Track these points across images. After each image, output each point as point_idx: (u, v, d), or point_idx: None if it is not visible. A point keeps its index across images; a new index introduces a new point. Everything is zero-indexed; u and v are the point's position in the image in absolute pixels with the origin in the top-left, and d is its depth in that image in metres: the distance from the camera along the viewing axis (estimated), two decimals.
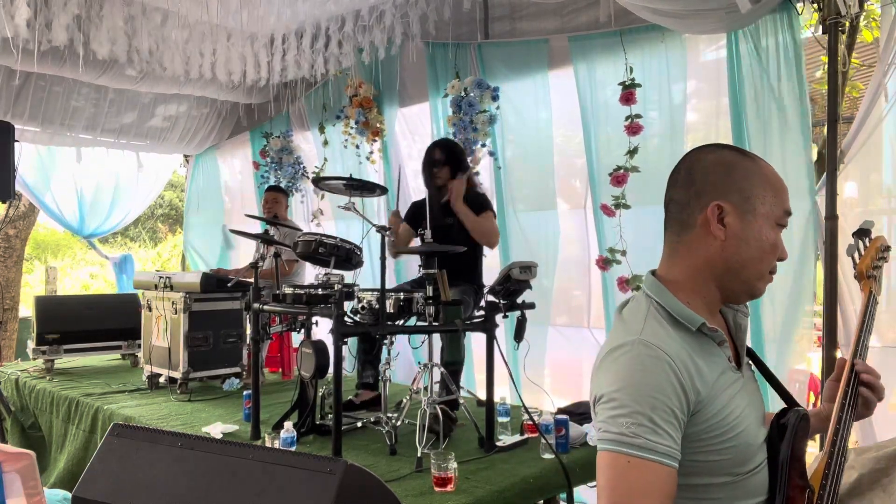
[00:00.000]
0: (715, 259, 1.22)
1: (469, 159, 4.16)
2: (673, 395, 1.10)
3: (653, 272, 1.30)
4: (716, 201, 1.21)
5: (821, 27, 2.89)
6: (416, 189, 4.59)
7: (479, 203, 3.63)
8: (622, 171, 3.52)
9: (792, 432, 1.22)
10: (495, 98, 4.09)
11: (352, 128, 4.99)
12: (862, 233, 1.51)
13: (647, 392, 1.09)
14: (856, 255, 1.49)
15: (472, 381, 4.11)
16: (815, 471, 1.26)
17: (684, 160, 1.30)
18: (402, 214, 3.89)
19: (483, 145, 4.18)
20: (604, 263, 3.64)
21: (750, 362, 1.36)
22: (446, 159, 3.60)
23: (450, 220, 3.54)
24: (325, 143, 5.38)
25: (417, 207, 3.79)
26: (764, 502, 1.22)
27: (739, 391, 1.21)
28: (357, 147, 5.03)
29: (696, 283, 1.24)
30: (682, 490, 1.14)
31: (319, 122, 5.39)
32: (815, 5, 2.87)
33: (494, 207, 4.08)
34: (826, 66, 2.88)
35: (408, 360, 4.66)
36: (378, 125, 4.86)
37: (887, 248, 1.49)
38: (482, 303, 3.50)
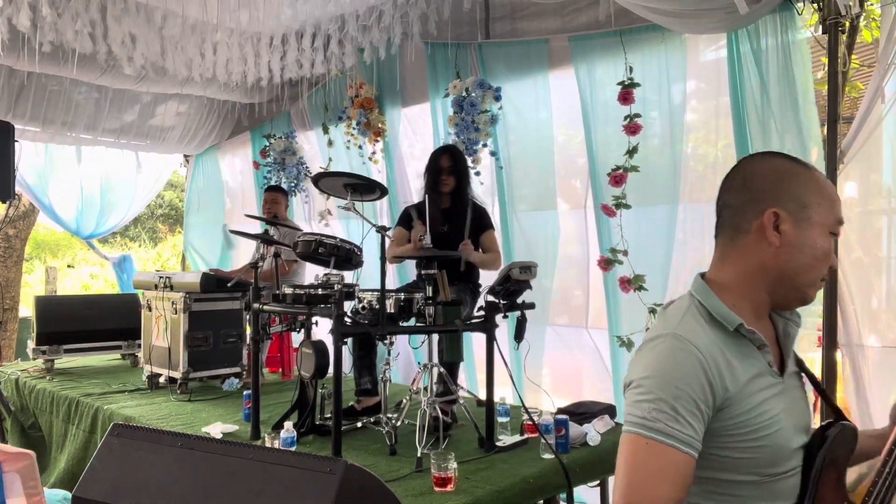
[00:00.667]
0: (768, 265, 1.25)
1: (471, 159, 4.17)
2: (698, 388, 1.15)
3: (702, 275, 1.33)
4: (772, 208, 1.23)
5: (821, 27, 2.89)
6: (417, 190, 4.58)
7: (483, 221, 3.66)
8: (621, 170, 3.52)
9: (830, 443, 1.24)
10: (498, 98, 4.09)
11: (354, 128, 4.99)
12: None
13: (672, 381, 1.15)
14: None
15: (473, 382, 4.11)
16: (861, 487, 1.27)
17: (741, 166, 1.32)
18: (398, 218, 3.91)
19: (485, 145, 4.18)
20: (605, 264, 3.64)
21: (801, 372, 1.37)
22: (454, 167, 3.61)
23: (445, 228, 3.54)
24: (330, 143, 5.38)
25: (415, 211, 3.78)
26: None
27: (777, 395, 1.23)
28: (360, 147, 5.03)
29: (745, 287, 1.27)
30: (708, 484, 1.19)
31: (322, 123, 5.39)
32: (815, 5, 2.87)
33: (495, 207, 4.09)
34: (825, 67, 2.88)
35: (408, 360, 4.66)
36: (380, 125, 4.86)
37: None
38: (480, 303, 3.51)
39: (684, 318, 1.23)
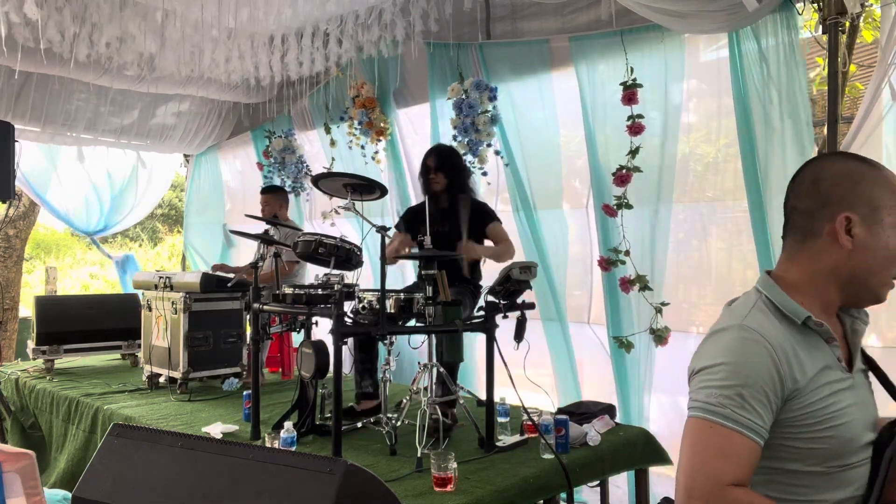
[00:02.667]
0: (841, 267, 1.26)
1: (476, 160, 4.16)
2: (767, 377, 1.17)
3: (768, 272, 1.34)
4: (844, 213, 1.24)
5: (821, 27, 2.89)
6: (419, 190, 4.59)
7: (486, 215, 3.65)
8: (625, 171, 3.52)
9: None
10: (493, 98, 4.09)
11: (356, 128, 4.99)
12: None
13: (741, 370, 1.17)
14: None
15: (473, 381, 4.11)
16: None
17: (809, 169, 1.32)
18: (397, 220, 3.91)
19: (489, 145, 4.18)
20: (606, 264, 3.64)
21: (869, 370, 1.39)
22: (439, 166, 3.60)
23: (445, 228, 3.54)
24: (332, 143, 5.37)
25: (413, 213, 3.79)
26: (858, 497, 1.25)
27: (846, 389, 1.25)
28: (362, 147, 5.03)
29: (815, 287, 1.28)
30: (774, 473, 1.21)
31: (324, 123, 5.39)
32: (815, 5, 2.87)
33: (498, 205, 4.08)
34: (823, 68, 2.88)
35: (408, 360, 4.66)
36: (382, 125, 4.85)
37: None
38: (480, 303, 3.51)
39: (752, 311, 1.25)
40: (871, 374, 1.40)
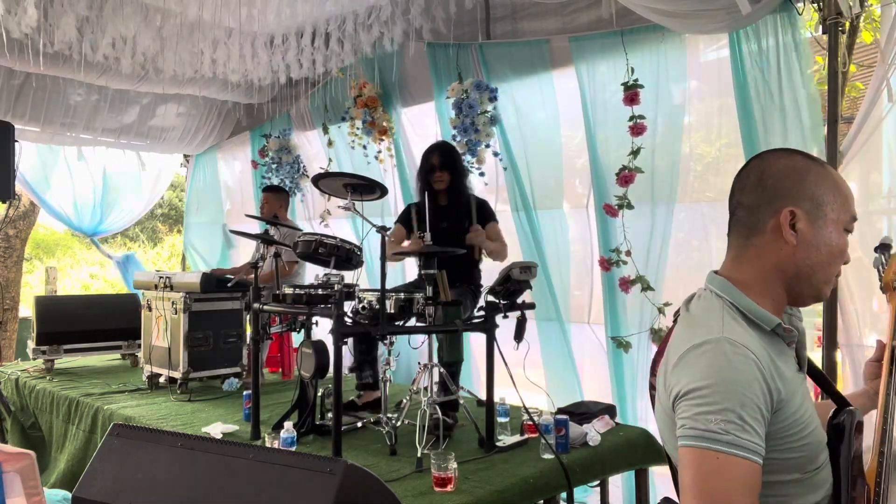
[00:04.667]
0: (786, 263, 1.24)
1: (474, 160, 4.16)
2: (760, 393, 1.12)
3: (715, 272, 1.31)
4: (788, 207, 1.23)
5: (821, 27, 2.89)
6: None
7: (487, 214, 3.67)
8: (628, 171, 3.52)
9: (850, 433, 1.26)
10: (493, 99, 4.09)
11: (358, 128, 4.98)
12: (883, 247, 1.58)
13: (737, 389, 1.10)
14: (880, 268, 1.52)
15: (473, 382, 4.11)
16: (869, 469, 1.29)
17: (755, 164, 1.30)
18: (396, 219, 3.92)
19: (487, 146, 4.18)
20: (607, 264, 3.64)
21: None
22: (444, 164, 3.61)
23: (444, 225, 3.55)
24: (330, 143, 5.37)
25: (412, 211, 3.79)
26: (827, 499, 1.25)
27: (805, 392, 1.25)
28: (364, 147, 5.03)
29: (765, 286, 1.26)
30: None
31: (323, 123, 5.39)
32: (816, 5, 2.87)
33: (498, 205, 4.09)
34: (824, 67, 2.88)
35: (408, 360, 4.66)
36: (385, 124, 4.85)
37: None
38: (480, 303, 3.51)
39: (724, 320, 1.20)
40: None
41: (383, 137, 4.89)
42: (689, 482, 1.09)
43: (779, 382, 1.15)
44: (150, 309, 4.55)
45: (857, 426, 1.27)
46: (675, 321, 1.34)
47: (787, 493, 1.20)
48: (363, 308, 2.96)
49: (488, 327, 2.84)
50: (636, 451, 3.03)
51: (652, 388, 1.35)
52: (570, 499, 2.75)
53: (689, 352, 1.17)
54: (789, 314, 1.35)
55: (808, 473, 1.21)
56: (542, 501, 2.62)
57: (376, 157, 4.96)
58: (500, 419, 3.07)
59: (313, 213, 5.67)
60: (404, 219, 3.83)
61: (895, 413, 1.33)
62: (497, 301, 2.91)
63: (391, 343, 3.11)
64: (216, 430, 3.24)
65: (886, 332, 1.45)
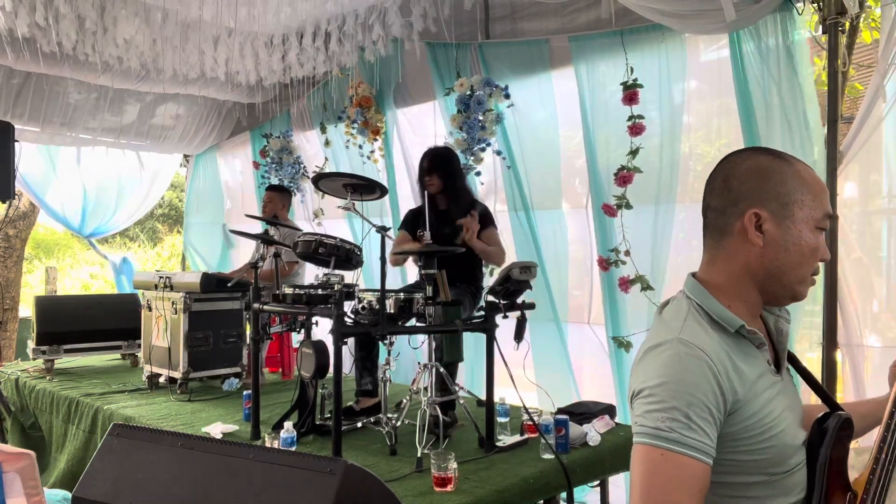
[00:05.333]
0: (754, 265, 1.23)
1: (472, 159, 4.16)
2: (710, 394, 1.12)
3: (693, 275, 1.31)
4: (753, 209, 1.21)
5: (820, 27, 2.89)
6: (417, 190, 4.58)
7: (485, 218, 3.64)
8: (626, 171, 3.52)
9: (832, 436, 1.24)
10: (507, 96, 4.07)
11: (353, 127, 4.99)
12: None
13: (685, 389, 1.12)
14: None
15: (473, 382, 4.11)
16: (861, 476, 1.27)
17: (721, 166, 1.29)
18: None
19: (489, 144, 4.18)
20: (605, 264, 3.63)
21: (789, 367, 1.37)
22: (433, 168, 3.59)
23: (447, 230, 3.54)
24: (327, 143, 5.38)
25: (414, 215, 3.79)
26: (801, 501, 1.24)
27: (778, 394, 1.23)
28: (360, 147, 5.03)
29: (737, 288, 1.25)
30: (719, 488, 1.17)
31: (321, 122, 5.39)
32: (815, 5, 2.87)
33: (496, 206, 4.09)
34: (823, 67, 2.88)
35: (408, 360, 4.66)
36: (378, 124, 4.85)
37: None
38: (481, 304, 3.51)
39: (686, 322, 1.21)
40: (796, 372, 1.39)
41: (377, 137, 4.89)
42: (636, 478, 1.12)
43: (736, 384, 1.15)
44: (150, 309, 4.55)
45: (842, 431, 1.25)
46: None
47: (753, 494, 1.20)
48: (363, 308, 2.96)
49: (488, 327, 2.84)
50: None
51: None
52: (570, 499, 2.75)
53: (646, 353, 1.20)
54: (776, 315, 1.34)
55: (776, 476, 1.20)
56: (542, 501, 2.62)
57: (370, 157, 4.96)
58: (500, 419, 3.07)
59: (313, 214, 5.67)
60: (406, 223, 3.83)
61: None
62: (497, 301, 2.91)
63: (391, 343, 3.11)
64: (216, 430, 3.24)
65: None
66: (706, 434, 1.10)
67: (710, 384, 1.12)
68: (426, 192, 3.54)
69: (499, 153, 4.15)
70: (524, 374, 3.47)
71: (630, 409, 1.20)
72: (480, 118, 4.10)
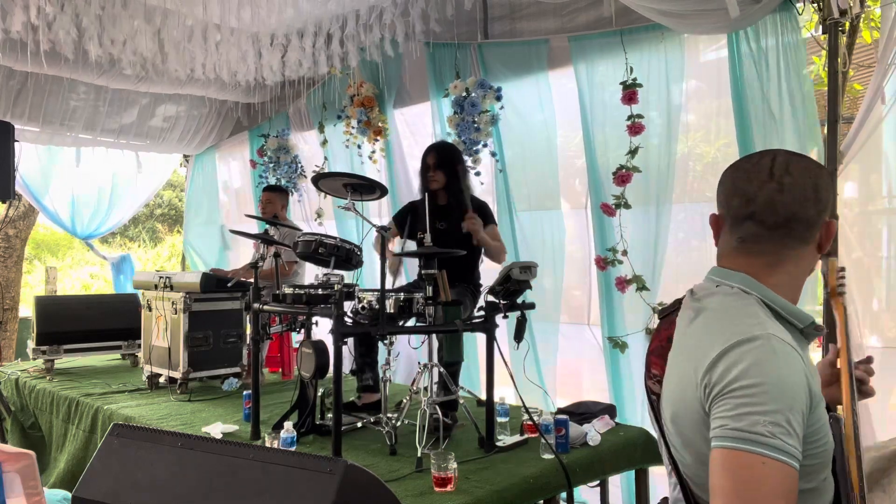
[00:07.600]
0: (810, 269, 1.25)
1: (471, 160, 4.16)
2: (805, 396, 1.06)
3: (726, 267, 1.25)
4: (831, 218, 1.23)
5: (820, 27, 2.89)
6: (417, 189, 4.58)
7: (485, 215, 3.65)
8: (625, 170, 3.52)
9: (841, 440, 1.24)
10: (499, 98, 4.09)
11: (353, 127, 4.98)
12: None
13: (787, 392, 1.04)
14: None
15: (473, 382, 4.11)
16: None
17: (808, 174, 1.20)
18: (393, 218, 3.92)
19: (485, 145, 4.18)
20: (603, 263, 3.64)
21: None
22: (439, 163, 3.60)
23: (442, 226, 3.54)
24: (325, 142, 5.38)
25: (411, 209, 3.78)
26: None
27: None
28: (359, 147, 5.03)
29: (794, 290, 1.24)
30: None
31: (319, 122, 5.39)
32: (815, 5, 2.87)
33: (495, 208, 4.09)
34: (823, 67, 2.88)
35: (408, 360, 4.66)
36: (380, 124, 4.85)
37: (842, 269, 1.56)
38: (480, 303, 3.51)
39: (761, 316, 1.14)
40: None
41: (378, 137, 4.89)
42: (727, 484, 1.02)
43: (814, 385, 1.10)
44: (150, 309, 4.55)
45: (842, 434, 1.26)
46: (668, 316, 1.29)
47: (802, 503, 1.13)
48: (363, 308, 2.96)
49: (488, 327, 2.84)
50: (636, 451, 3.03)
51: (650, 390, 1.29)
52: (570, 499, 2.75)
53: (735, 346, 1.09)
54: None
55: (821, 481, 1.16)
56: (542, 501, 2.62)
57: (370, 157, 4.96)
58: (500, 419, 3.07)
59: (310, 213, 5.67)
60: (398, 216, 3.82)
61: (859, 420, 1.31)
62: (497, 301, 2.91)
63: (391, 343, 3.11)
64: (216, 430, 3.24)
65: (839, 338, 1.41)
66: (799, 440, 1.04)
67: (805, 385, 1.07)
68: (427, 188, 3.54)
69: (493, 154, 4.15)
70: (525, 374, 3.47)
71: (702, 409, 1.11)
72: (475, 120, 4.11)
